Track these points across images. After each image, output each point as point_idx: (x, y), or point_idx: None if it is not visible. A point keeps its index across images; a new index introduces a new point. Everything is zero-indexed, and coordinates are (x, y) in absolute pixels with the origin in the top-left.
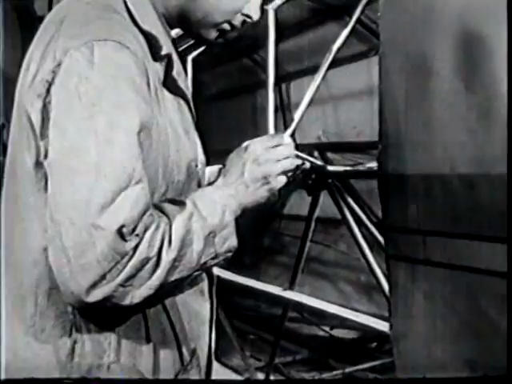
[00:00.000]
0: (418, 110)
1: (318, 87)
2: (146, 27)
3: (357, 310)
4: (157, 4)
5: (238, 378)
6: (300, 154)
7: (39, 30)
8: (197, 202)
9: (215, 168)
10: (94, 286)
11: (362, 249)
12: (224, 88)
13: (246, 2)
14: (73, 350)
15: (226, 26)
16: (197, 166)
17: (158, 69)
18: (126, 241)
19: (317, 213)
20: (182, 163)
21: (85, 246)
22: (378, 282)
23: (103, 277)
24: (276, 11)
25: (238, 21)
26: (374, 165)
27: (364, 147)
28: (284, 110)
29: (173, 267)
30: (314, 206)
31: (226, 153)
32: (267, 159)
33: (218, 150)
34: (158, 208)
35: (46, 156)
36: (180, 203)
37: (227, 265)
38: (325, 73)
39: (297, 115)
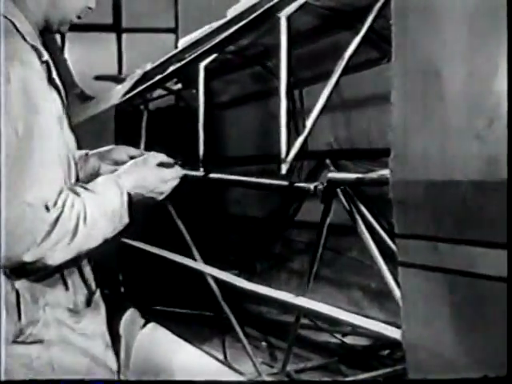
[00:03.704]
0: (430, 116)
1: (331, 94)
2: (31, 41)
3: (368, 317)
4: (31, 20)
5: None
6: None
7: None
8: (98, 186)
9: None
10: (28, 249)
11: (373, 255)
12: (236, 95)
13: None
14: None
15: (76, 19)
16: (74, 156)
17: (43, 70)
18: (49, 211)
19: (329, 220)
20: (67, 151)
21: (19, 219)
22: (389, 288)
23: (34, 242)
24: (289, 19)
25: (83, 13)
26: (385, 172)
27: (376, 154)
28: (296, 117)
29: (85, 239)
30: (326, 213)
31: (238, 159)
32: (158, 178)
33: (230, 156)
34: (72, 190)
35: None
36: (88, 189)
37: (239, 272)
38: (337, 80)
39: (309, 122)
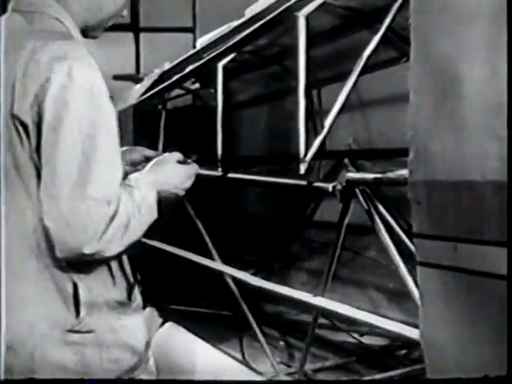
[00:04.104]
0: (448, 116)
1: (349, 94)
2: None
3: (386, 317)
4: (76, 23)
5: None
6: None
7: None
8: (138, 182)
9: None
10: (90, 241)
11: (392, 255)
12: (254, 95)
13: (124, 7)
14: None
15: (108, 25)
16: None
17: None
18: (109, 207)
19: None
20: None
21: (82, 213)
22: (407, 288)
23: (95, 235)
24: (307, 18)
25: (115, 20)
26: (404, 172)
27: (394, 154)
28: (314, 117)
29: (133, 232)
30: (344, 212)
31: (255, 159)
32: (180, 174)
33: (248, 156)
34: (123, 188)
35: (38, 150)
36: (129, 184)
37: (257, 271)
38: (356, 79)
39: (327, 122)
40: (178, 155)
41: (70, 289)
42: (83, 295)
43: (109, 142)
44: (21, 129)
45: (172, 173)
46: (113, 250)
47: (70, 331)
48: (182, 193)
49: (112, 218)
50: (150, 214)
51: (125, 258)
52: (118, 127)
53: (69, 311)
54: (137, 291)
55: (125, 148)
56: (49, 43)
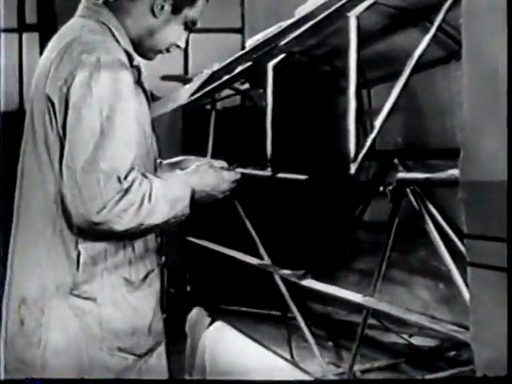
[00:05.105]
0: (500, 116)
1: (400, 94)
2: (124, 46)
3: (436, 318)
4: (127, 32)
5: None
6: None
7: (54, 39)
8: (169, 178)
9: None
10: (99, 211)
11: (443, 256)
12: (303, 95)
13: (181, 37)
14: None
15: (163, 51)
16: (154, 152)
17: (133, 72)
18: (121, 183)
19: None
20: (147, 145)
21: (93, 184)
22: (458, 289)
23: (105, 206)
24: (358, 18)
25: (172, 48)
26: (455, 172)
27: (445, 154)
28: (364, 117)
29: (148, 215)
30: (394, 213)
31: (305, 159)
32: (220, 178)
33: (297, 156)
34: (143, 174)
35: (63, 127)
36: (158, 176)
37: (306, 272)
38: (406, 79)
39: (378, 122)
40: (220, 162)
41: (75, 255)
42: (83, 263)
43: (124, 126)
44: (51, 108)
45: (210, 176)
46: (122, 224)
47: (72, 294)
48: (220, 196)
49: (124, 194)
50: (171, 206)
51: (151, 241)
52: (145, 115)
53: (73, 276)
54: (155, 277)
55: (180, 158)
56: (82, 36)
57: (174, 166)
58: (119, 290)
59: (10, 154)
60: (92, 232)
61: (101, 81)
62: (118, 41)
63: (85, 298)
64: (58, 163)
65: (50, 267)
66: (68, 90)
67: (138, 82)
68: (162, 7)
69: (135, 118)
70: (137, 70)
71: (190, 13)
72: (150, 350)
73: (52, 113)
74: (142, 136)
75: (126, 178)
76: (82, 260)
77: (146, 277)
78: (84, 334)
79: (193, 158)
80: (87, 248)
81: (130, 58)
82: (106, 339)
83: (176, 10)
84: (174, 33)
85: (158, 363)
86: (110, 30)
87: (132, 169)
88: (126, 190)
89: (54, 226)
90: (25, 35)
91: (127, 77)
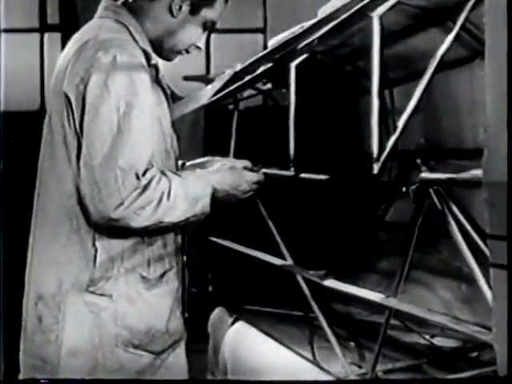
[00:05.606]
0: None
1: (423, 93)
2: (142, 45)
3: (458, 319)
4: (146, 33)
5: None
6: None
7: (73, 38)
8: (189, 176)
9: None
10: (116, 207)
11: (465, 257)
12: (326, 95)
13: (200, 38)
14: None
15: (183, 52)
16: (175, 152)
17: (151, 71)
18: (139, 179)
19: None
20: (166, 144)
21: (111, 180)
22: (481, 290)
23: (122, 202)
24: (381, 18)
25: (191, 49)
26: (478, 172)
27: (468, 155)
28: (387, 117)
29: (166, 212)
30: (417, 213)
31: (326, 159)
32: (242, 178)
33: (319, 156)
34: (162, 172)
35: (81, 125)
36: (178, 174)
37: (328, 272)
38: (429, 79)
39: (400, 122)
40: (245, 162)
41: (92, 252)
42: (100, 260)
43: (141, 123)
44: (68, 106)
45: (231, 175)
46: (138, 221)
47: (87, 291)
48: (242, 196)
49: (141, 192)
50: (191, 205)
51: (171, 240)
52: (165, 110)
53: (90, 273)
54: (174, 275)
55: (204, 159)
56: (99, 35)
57: (197, 166)
58: (135, 287)
59: (32, 153)
60: (109, 229)
61: (117, 78)
62: (136, 40)
63: (100, 295)
64: (76, 160)
65: (67, 264)
66: (85, 87)
67: (156, 80)
68: (180, 7)
69: (152, 115)
70: (155, 69)
71: (208, 14)
72: (168, 349)
73: (70, 110)
74: (160, 134)
75: (144, 174)
76: (99, 257)
77: (163, 275)
78: (99, 330)
79: (217, 158)
80: (105, 245)
81: (148, 57)
82: (121, 336)
83: (194, 10)
84: (192, 33)
85: (176, 362)
86: (129, 30)
87: (150, 166)
88: (145, 187)
89: (70, 223)
90: (46, 35)
91: (143, 75)
